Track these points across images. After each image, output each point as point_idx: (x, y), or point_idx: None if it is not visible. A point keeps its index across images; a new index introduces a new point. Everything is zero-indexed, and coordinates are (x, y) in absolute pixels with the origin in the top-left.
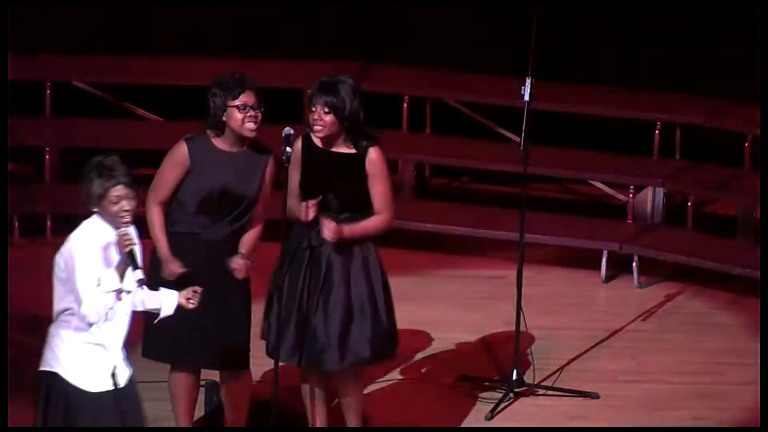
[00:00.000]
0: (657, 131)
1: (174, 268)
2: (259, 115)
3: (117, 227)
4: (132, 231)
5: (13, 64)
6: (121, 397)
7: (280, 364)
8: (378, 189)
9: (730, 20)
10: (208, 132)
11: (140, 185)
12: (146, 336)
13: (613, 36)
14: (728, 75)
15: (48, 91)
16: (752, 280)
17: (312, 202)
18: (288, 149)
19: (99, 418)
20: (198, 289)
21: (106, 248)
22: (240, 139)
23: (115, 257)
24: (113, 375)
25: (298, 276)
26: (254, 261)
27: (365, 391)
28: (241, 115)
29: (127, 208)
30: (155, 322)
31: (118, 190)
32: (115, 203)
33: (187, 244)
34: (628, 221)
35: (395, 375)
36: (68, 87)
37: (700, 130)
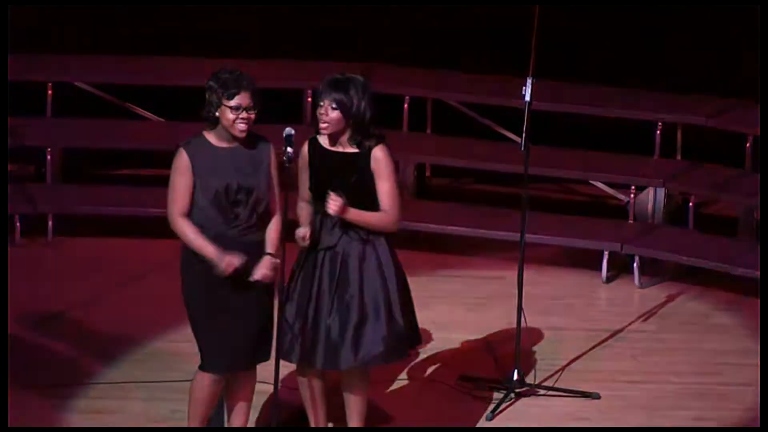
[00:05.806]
0: (658, 131)
1: (230, 258)
2: (252, 116)
3: None
4: None
5: (14, 64)
6: None
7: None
8: (383, 187)
9: (730, 20)
10: (204, 131)
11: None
12: (209, 351)
13: (614, 36)
14: (730, 75)
15: (49, 92)
16: (753, 281)
17: (307, 233)
18: (289, 149)
19: None
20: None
21: None
22: (232, 135)
23: None
24: None
25: (312, 277)
26: (281, 254)
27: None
28: (233, 116)
29: None
30: None
31: None
32: None
33: (219, 244)
34: (630, 221)
35: (397, 375)
36: (69, 87)
37: (702, 130)
